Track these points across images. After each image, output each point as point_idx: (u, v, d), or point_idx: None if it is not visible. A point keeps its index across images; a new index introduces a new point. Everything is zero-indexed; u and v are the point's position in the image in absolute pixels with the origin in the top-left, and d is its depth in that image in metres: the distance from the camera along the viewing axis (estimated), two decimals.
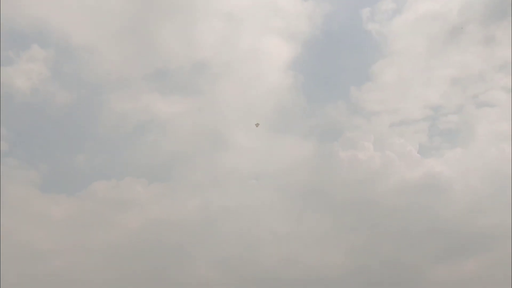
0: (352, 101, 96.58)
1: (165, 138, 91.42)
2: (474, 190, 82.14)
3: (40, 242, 73.73)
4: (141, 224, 78.50)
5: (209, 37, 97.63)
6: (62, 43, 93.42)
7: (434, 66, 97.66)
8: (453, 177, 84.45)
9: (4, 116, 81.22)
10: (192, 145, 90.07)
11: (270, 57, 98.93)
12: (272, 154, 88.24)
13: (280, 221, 78.95)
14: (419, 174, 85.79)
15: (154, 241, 75.55)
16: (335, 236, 77.76)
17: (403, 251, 75.68)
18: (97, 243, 74.41)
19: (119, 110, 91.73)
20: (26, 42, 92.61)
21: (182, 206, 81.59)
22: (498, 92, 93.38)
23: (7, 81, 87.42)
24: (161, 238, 76.03)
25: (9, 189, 76.57)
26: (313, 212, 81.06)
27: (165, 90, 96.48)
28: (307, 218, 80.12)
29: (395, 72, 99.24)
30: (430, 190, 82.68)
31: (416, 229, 76.89)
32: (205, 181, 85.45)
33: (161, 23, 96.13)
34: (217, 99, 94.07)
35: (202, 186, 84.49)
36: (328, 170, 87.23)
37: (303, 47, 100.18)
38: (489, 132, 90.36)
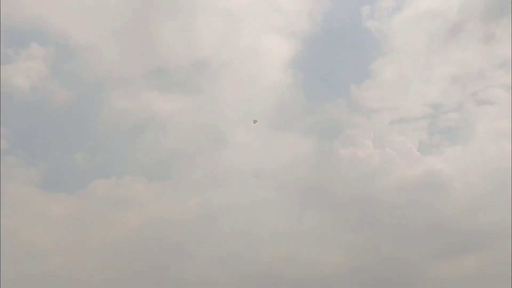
0: (352, 98, 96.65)
1: (165, 137, 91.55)
2: (474, 187, 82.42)
3: (40, 241, 73.79)
4: (141, 222, 78.60)
5: (209, 35, 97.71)
6: (61, 42, 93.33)
7: (434, 63, 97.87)
8: (453, 175, 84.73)
9: (4, 114, 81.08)
10: (192, 143, 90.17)
11: (270, 55, 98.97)
12: (272, 152, 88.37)
13: (280, 219, 78.97)
14: (419, 172, 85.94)
15: (154, 239, 75.62)
16: (335, 234, 77.86)
17: (403, 249, 75.78)
18: (97, 242, 74.44)
19: (119, 108, 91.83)
20: (25, 40, 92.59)
21: (182, 204, 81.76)
22: (498, 90, 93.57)
23: (7, 79, 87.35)
24: (161, 236, 76.06)
25: (8, 188, 76.58)
26: (313, 210, 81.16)
27: (165, 89, 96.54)
28: (307, 216, 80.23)
29: (395, 70, 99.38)
30: (430, 187, 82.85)
31: (416, 227, 76.95)
32: (205, 179, 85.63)
33: (161, 21, 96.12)
34: (217, 98, 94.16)
35: (202, 184, 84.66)
36: (328, 167, 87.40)
37: (303, 45, 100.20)
38: (489, 130, 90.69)
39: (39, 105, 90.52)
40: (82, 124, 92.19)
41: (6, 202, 72.42)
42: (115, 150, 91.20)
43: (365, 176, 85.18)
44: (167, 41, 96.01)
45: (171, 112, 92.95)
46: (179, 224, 78.08)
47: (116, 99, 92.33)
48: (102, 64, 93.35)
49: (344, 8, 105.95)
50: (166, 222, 78.03)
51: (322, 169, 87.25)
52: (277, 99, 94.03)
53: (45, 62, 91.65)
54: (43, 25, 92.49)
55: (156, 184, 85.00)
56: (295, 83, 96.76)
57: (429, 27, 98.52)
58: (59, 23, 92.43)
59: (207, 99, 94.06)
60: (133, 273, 71.07)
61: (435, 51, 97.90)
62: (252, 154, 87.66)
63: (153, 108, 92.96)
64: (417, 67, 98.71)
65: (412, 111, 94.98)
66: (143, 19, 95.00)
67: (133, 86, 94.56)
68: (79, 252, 73.80)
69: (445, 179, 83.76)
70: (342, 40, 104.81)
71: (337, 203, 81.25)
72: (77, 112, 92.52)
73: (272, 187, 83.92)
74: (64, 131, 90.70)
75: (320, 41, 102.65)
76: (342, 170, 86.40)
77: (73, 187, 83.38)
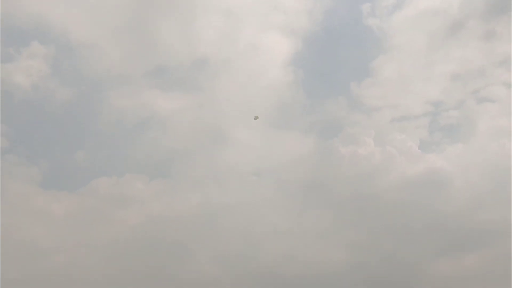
0: (353, 97, 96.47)
1: (165, 135, 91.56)
2: (474, 185, 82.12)
3: (41, 239, 73.92)
4: (142, 220, 78.72)
5: (209, 33, 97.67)
6: (62, 40, 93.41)
7: (434, 61, 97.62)
8: (454, 172, 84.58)
9: (4, 113, 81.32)
10: (193, 141, 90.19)
11: (270, 54, 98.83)
12: (273, 150, 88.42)
13: (280, 217, 78.96)
14: (419, 170, 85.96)
15: (154, 237, 75.63)
16: (335, 232, 77.79)
17: (403, 246, 75.63)
18: (98, 240, 74.46)
19: (119, 107, 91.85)
20: (26, 39, 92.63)
21: (182, 202, 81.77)
22: (498, 88, 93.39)
23: (7, 78, 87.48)
24: (162, 234, 76.11)
25: (9, 186, 76.87)
26: (314, 208, 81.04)
27: (165, 87, 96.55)
28: (307, 214, 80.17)
29: (396, 68, 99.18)
30: (431, 185, 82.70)
31: (417, 225, 76.80)
32: (205, 178, 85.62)
33: (161, 20, 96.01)
34: (217, 96, 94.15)
35: (203, 182, 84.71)
36: (328, 165, 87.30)
37: (303, 43, 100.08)
38: (490, 128, 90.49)
39: (39, 103, 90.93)
40: (82, 122, 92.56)
41: (7, 200, 72.79)
42: (116, 148, 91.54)
43: (366, 174, 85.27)
44: (167, 40, 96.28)
45: (172, 110, 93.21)
46: (180, 222, 78.23)
47: (116, 98, 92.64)
48: (103, 63, 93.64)
49: (345, 6, 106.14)
50: (167, 220, 78.23)
51: (322, 167, 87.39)
52: (278, 97, 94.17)
53: (45, 61, 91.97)
54: (43, 23, 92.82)
55: (157, 182, 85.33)
56: (296, 82, 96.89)
57: (430, 25, 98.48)
58: (60, 22, 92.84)
59: (207, 98, 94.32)
60: (134, 271, 71.28)
61: (436, 49, 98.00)
62: (253, 152, 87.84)
63: (154, 106, 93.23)
64: (418, 65, 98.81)
65: (412, 109, 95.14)
66: (143, 18, 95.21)
67: (134, 85, 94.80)
68: (80, 250, 74.05)
69: (446, 177, 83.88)
70: (342, 38, 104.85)
71: (337, 201, 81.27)
72: (78, 111, 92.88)
73: (272, 185, 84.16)
74: (64, 129, 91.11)
75: (321, 39, 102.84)
76: (342, 168, 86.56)
77: (74, 185, 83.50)
